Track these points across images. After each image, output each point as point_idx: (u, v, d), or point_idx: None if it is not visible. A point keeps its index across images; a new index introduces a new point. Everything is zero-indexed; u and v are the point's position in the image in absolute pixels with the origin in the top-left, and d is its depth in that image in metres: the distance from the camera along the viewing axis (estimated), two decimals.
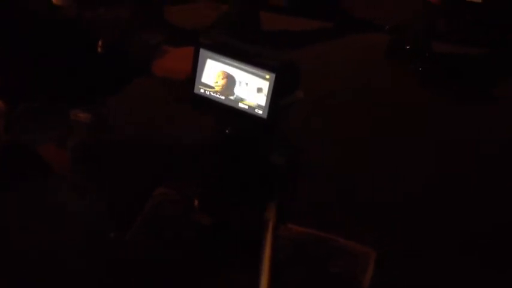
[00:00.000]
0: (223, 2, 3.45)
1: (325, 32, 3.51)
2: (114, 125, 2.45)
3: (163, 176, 2.20)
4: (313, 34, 3.47)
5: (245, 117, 1.28)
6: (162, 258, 1.87)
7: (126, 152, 2.29)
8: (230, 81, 1.27)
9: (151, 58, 1.42)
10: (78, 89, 1.49)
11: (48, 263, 1.77)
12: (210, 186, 1.48)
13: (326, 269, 1.82)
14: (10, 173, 1.71)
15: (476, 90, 3.17)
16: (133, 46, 1.44)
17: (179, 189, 2.11)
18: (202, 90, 1.30)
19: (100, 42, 1.38)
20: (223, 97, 1.29)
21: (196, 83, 1.30)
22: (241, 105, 1.28)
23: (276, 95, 1.24)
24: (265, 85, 1.24)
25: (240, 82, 1.26)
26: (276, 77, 1.23)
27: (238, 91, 1.27)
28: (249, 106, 1.27)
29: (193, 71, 1.30)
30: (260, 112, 1.26)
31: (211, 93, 1.30)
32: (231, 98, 1.28)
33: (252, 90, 1.25)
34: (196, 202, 1.52)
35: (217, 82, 1.28)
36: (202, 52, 1.27)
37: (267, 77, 1.23)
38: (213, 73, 1.28)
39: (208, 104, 1.30)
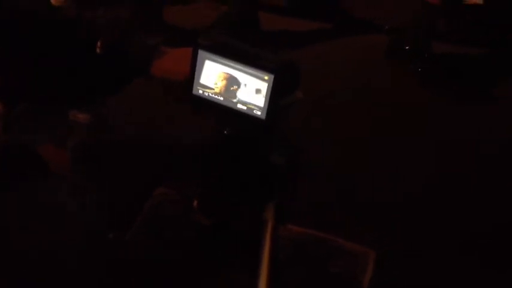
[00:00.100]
0: (222, 3, 3.45)
1: (325, 32, 3.51)
2: (114, 125, 2.45)
3: (163, 176, 2.20)
4: (313, 34, 3.47)
5: (244, 118, 1.28)
6: (162, 258, 1.87)
7: (126, 152, 2.28)
8: (229, 82, 1.27)
9: (150, 59, 1.42)
10: (77, 89, 1.49)
11: (48, 263, 1.77)
12: (209, 186, 1.48)
13: (326, 269, 1.82)
14: (10, 173, 1.71)
15: (476, 90, 3.17)
16: (132, 46, 1.44)
17: (179, 189, 2.11)
18: (200, 92, 1.31)
19: (99, 43, 1.38)
20: (221, 98, 1.29)
21: (194, 84, 1.31)
22: (239, 106, 1.28)
23: (274, 96, 1.24)
24: (264, 86, 1.24)
25: (239, 83, 1.26)
26: (274, 78, 1.23)
27: (237, 92, 1.27)
28: (248, 107, 1.27)
29: (192, 72, 1.30)
30: (259, 113, 1.26)
31: (210, 95, 1.30)
32: (230, 99, 1.28)
33: (250, 91, 1.25)
34: (195, 203, 1.52)
35: (216, 83, 1.28)
36: (201, 53, 1.28)
37: (266, 78, 1.23)
38: (211, 74, 1.28)
39: (207, 105, 1.30)
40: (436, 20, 3.30)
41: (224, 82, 1.28)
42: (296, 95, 1.30)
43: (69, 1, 1.47)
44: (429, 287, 1.98)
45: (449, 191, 2.38)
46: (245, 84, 1.25)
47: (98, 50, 1.38)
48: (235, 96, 1.27)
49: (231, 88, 1.27)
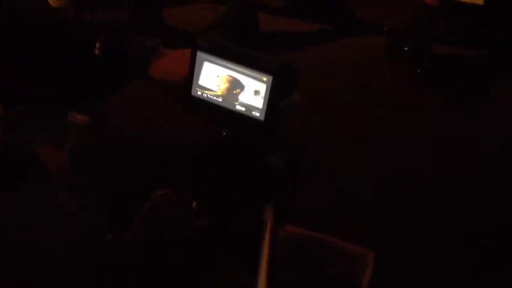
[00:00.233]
0: (221, 4, 3.45)
1: (324, 32, 3.51)
2: (114, 125, 2.45)
3: (163, 176, 2.20)
4: (313, 35, 3.47)
5: (242, 119, 1.28)
6: (162, 258, 1.87)
7: (126, 152, 2.29)
8: (232, 86, 1.27)
9: (149, 60, 1.42)
10: (77, 90, 1.49)
11: (48, 263, 1.77)
12: (209, 186, 1.48)
13: (324, 271, 1.82)
14: (9, 173, 1.71)
15: (476, 90, 3.17)
16: (131, 47, 1.44)
17: (179, 189, 2.11)
18: (199, 93, 1.30)
19: (97, 44, 1.38)
20: (220, 100, 1.29)
21: (193, 86, 1.31)
22: (238, 107, 1.28)
23: (273, 98, 1.24)
24: (262, 87, 1.24)
25: (242, 87, 1.26)
26: (273, 80, 1.23)
27: (239, 95, 1.27)
28: (246, 109, 1.27)
29: (190, 73, 1.30)
30: (257, 114, 1.26)
31: (209, 96, 1.30)
32: (228, 100, 1.28)
33: (249, 92, 1.25)
34: (194, 203, 1.52)
35: (219, 86, 1.28)
36: (199, 54, 1.27)
37: (264, 79, 1.23)
38: (210, 76, 1.28)
39: (206, 107, 1.30)
40: (436, 21, 3.30)
41: (227, 85, 1.27)
42: (294, 97, 1.30)
43: (67, 3, 1.47)
44: (429, 287, 1.98)
45: (449, 191, 2.38)
46: (244, 86, 1.26)
47: (96, 52, 1.38)
48: (237, 100, 1.27)
49: (234, 92, 1.27)
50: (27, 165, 1.73)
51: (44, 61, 1.44)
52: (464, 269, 2.04)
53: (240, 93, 1.27)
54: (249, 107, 1.27)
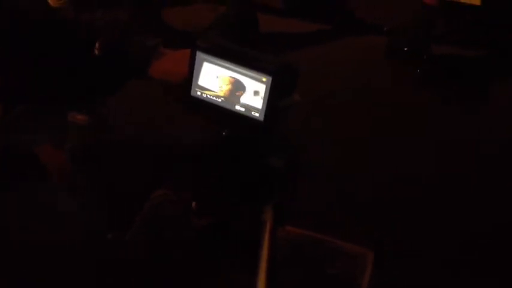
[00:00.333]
0: (221, 4, 3.44)
1: (324, 32, 3.51)
2: (114, 125, 2.45)
3: (163, 176, 2.20)
4: (313, 35, 3.47)
5: (242, 120, 1.28)
6: (162, 258, 1.87)
7: (126, 152, 2.28)
8: (235, 87, 1.27)
9: (149, 60, 1.43)
10: (76, 90, 1.49)
11: (48, 263, 1.77)
12: (209, 186, 1.48)
13: (323, 271, 1.82)
14: (9, 173, 1.71)
15: (475, 90, 3.17)
16: (131, 48, 1.45)
17: (179, 189, 2.11)
18: (199, 93, 1.31)
19: (97, 45, 1.38)
20: (220, 100, 1.29)
21: (193, 86, 1.31)
22: (238, 108, 1.28)
23: (273, 98, 1.24)
24: (261, 88, 1.24)
25: (244, 88, 1.27)
26: (273, 80, 1.23)
27: (241, 97, 1.27)
28: (246, 109, 1.27)
29: (190, 73, 1.30)
30: (257, 115, 1.27)
31: (208, 96, 1.30)
32: (228, 100, 1.28)
33: (248, 93, 1.26)
34: (194, 204, 1.52)
35: (221, 87, 1.28)
36: (199, 55, 1.28)
37: (264, 79, 1.23)
38: (210, 76, 1.28)
39: (205, 107, 1.31)
40: (435, 21, 3.29)
41: (229, 87, 1.28)
42: (294, 97, 1.30)
43: (67, 3, 1.47)
44: (429, 287, 1.98)
45: (449, 191, 2.38)
46: (245, 87, 1.26)
47: (96, 52, 1.39)
48: (238, 101, 1.27)
49: (236, 93, 1.27)
50: (27, 165, 1.73)
51: (44, 61, 1.45)
52: (464, 269, 2.04)
53: (242, 94, 1.27)
54: (249, 108, 1.27)
